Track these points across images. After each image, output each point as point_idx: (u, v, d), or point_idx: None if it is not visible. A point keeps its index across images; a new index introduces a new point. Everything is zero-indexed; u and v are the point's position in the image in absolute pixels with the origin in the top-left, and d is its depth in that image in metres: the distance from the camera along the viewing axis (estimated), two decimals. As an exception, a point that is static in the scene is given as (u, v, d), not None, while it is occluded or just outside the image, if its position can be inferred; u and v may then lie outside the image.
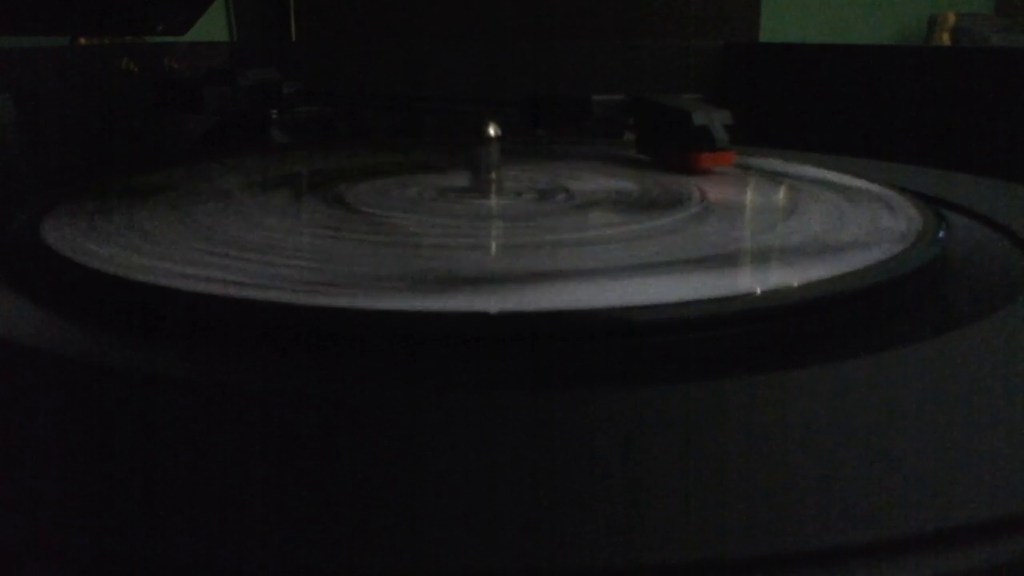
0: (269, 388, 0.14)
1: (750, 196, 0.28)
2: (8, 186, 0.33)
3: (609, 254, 0.20)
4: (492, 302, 0.16)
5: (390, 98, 0.49)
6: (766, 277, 0.20)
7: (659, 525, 0.10)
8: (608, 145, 0.39)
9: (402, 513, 0.10)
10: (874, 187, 0.29)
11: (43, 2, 0.45)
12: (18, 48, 0.49)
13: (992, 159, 0.42)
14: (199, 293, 0.17)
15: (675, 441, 0.12)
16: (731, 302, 0.17)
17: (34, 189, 0.28)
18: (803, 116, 0.54)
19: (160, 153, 0.42)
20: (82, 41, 0.57)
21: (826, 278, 0.18)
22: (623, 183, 0.29)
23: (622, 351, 0.16)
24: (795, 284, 0.18)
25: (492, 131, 0.27)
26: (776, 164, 0.34)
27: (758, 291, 0.17)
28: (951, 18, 1.33)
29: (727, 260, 0.20)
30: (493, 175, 0.27)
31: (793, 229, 0.23)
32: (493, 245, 0.22)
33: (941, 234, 0.22)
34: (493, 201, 0.26)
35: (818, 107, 0.53)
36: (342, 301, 0.16)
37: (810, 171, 0.32)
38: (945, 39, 1.31)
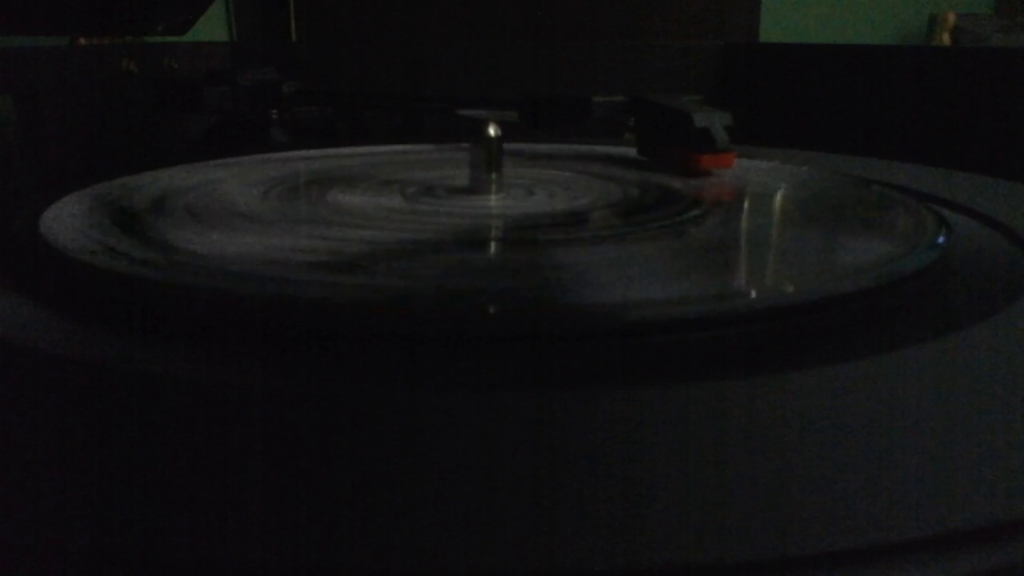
0: (269, 388, 0.14)
1: (750, 196, 0.28)
2: (8, 186, 0.33)
3: (609, 254, 0.20)
4: (492, 302, 0.17)
5: (390, 98, 0.49)
6: (766, 277, 0.20)
7: (659, 526, 0.10)
8: (608, 145, 0.39)
9: (402, 513, 0.10)
10: (875, 186, 0.29)
11: (43, 2, 0.45)
12: (18, 48, 0.49)
13: (992, 159, 0.42)
14: (199, 290, 0.17)
15: (675, 441, 0.12)
16: (731, 302, 0.17)
17: (34, 189, 0.28)
18: (803, 116, 0.54)
19: (160, 153, 0.42)
20: (82, 41, 0.57)
21: (826, 278, 0.18)
22: (623, 183, 0.29)
23: (622, 351, 0.16)
24: (795, 284, 0.18)
25: (492, 131, 0.27)
26: (776, 163, 0.34)
27: (758, 291, 0.17)
28: (951, 18, 1.33)
29: (727, 260, 0.20)
30: (493, 175, 0.27)
31: (793, 229, 0.23)
32: (493, 245, 0.22)
33: (941, 238, 0.22)
34: (493, 201, 0.27)
35: (818, 107, 0.53)
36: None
37: (810, 171, 0.32)
38: (945, 39, 1.31)
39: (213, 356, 0.15)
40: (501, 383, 0.15)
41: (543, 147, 0.39)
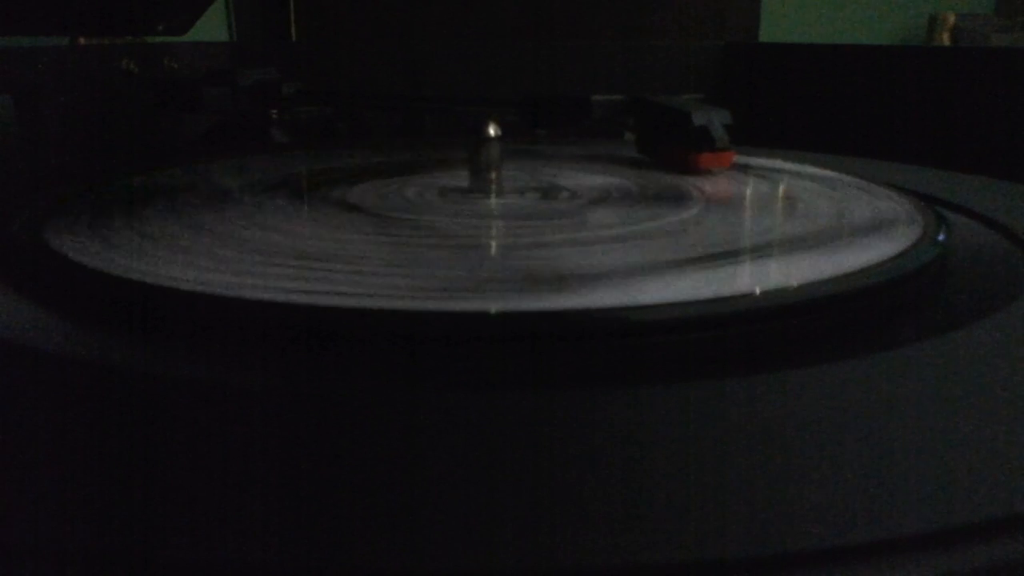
0: (269, 388, 0.14)
1: (750, 196, 0.28)
2: (8, 186, 0.33)
3: (609, 254, 0.20)
4: (492, 302, 0.16)
5: (390, 98, 0.49)
6: (766, 277, 0.20)
7: (659, 525, 0.10)
8: (608, 145, 0.39)
9: (402, 513, 0.10)
10: (874, 186, 0.29)
11: (43, 2, 0.45)
12: (18, 48, 0.49)
13: (992, 159, 0.42)
14: (198, 293, 0.17)
15: (675, 441, 0.12)
16: (731, 302, 0.17)
17: (34, 189, 0.28)
18: (803, 116, 0.54)
19: (160, 153, 0.42)
20: (82, 41, 0.57)
21: (826, 278, 0.18)
22: (623, 183, 0.29)
23: (622, 351, 0.16)
24: (795, 284, 0.18)
25: (492, 131, 0.27)
26: (776, 164, 0.34)
27: (758, 291, 0.17)
28: (951, 18, 1.33)
29: (727, 260, 0.20)
30: (493, 175, 0.27)
31: (793, 229, 0.23)
32: (492, 245, 0.22)
33: (941, 236, 0.22)
34: (493, 201, 0.27)
35: (818, 107, 0.53)
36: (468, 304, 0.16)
37: (809, 170, 0.32)
38: (945, 39, 1.31)
39: (213, 357, 0.15)
40: (501, 383, 0.15)
41: (543, 147, 0.39)
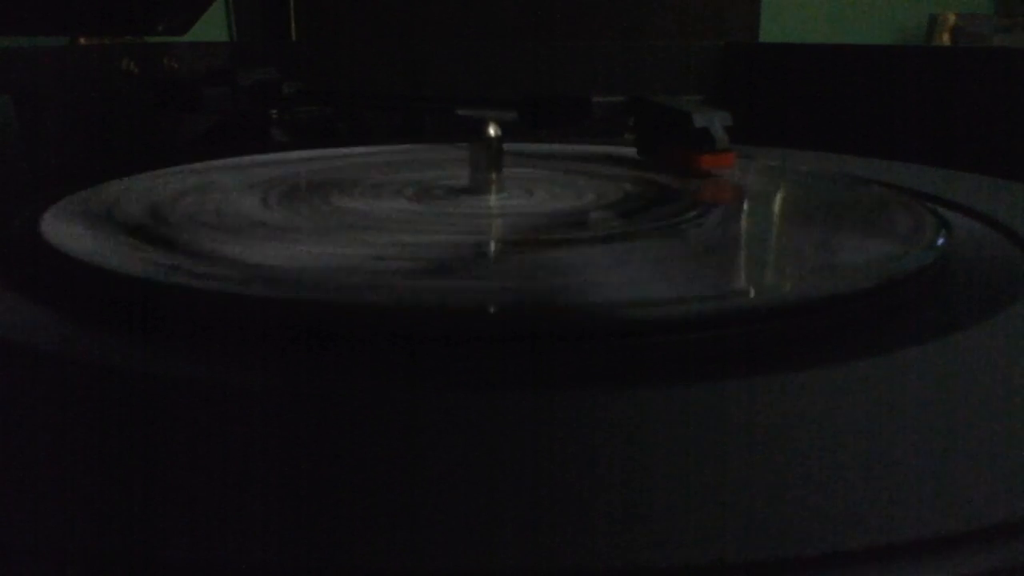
0: (269, 388, 0.14)
1: (749, 196, 0.28)
2: (8, 186, 0.33)
3: (609, 254, 0.20)
4: (492, 302, 0.16)
5: (390, 98, 0.49)
6: (766, 277, 0.20)
7: (659, 526, 0.10)
8: (608, 145, 0.39)
9: (402, 513, 0.10)
10: (874, 185, 0.29)
11: (43, 2, 0.45)
12: (18, 48, 0.49)
13: (992, 159, 0.42)
14: (198, 290, 0.17)
15: (675, 441, 0.12)
16: (731, 302, 0.17)
17: (34, 189, 0.28)
18: (803, 116, 0.54)
19: (160, 153, 0.42)
20: (82, 41, 0.57)
21: (826, 278, 0.18)
22: (623, 184, 0.29)
23: (622, 351, 0.16)
24: (795, 284, 0.18)
25: (492, 131, 0.27)
26: (776, 164, 0.34)
27: (758, 292, 0.17)
28: (951, 18, 1.33)
29: (727, 260, 0.20)
30: (493, 175, 0.27)
31: (793, 229, 0.23)
32: (492, 244, 0.22)
33: (941, 239, 0.22)
34: (492, 201, 0.27)
35: (818, 107, 0.53)
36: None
37: (809, 170, 0.32)
38: (945, 39, 1.31)
39: (213, 356, 0.15)
40: (501, 383, 0.15)
41: (543, 147, 0.39)
